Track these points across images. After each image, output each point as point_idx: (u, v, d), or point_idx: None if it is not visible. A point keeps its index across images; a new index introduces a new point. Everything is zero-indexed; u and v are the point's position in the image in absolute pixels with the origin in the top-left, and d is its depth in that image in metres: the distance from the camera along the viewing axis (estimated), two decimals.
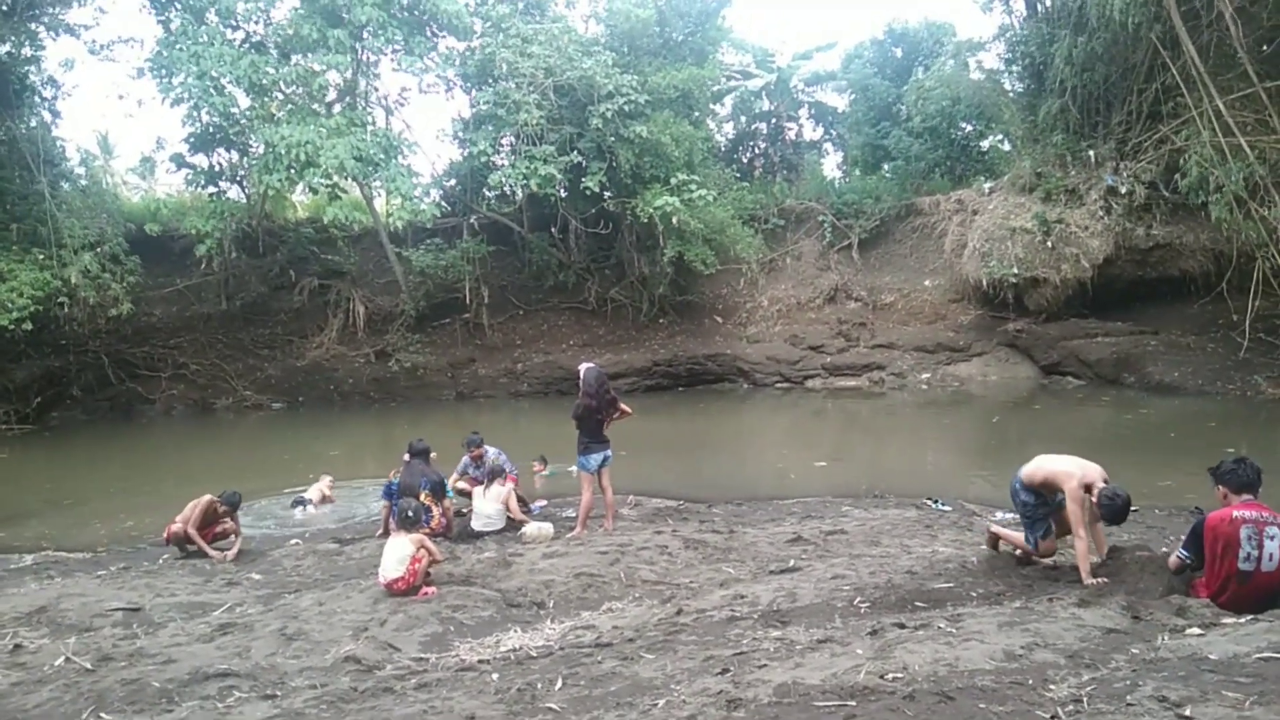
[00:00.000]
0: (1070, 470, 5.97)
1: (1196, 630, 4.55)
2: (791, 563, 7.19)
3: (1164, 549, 6.35)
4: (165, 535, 8.82)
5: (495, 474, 9.38)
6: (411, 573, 6.62)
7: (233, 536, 8.89)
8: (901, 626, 4.90)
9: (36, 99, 21.15)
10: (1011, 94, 24.46)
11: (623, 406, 9.09)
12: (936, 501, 9.84)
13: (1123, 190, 20.20)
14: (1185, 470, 10.18)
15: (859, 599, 5.83)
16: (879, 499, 10.33)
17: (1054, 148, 21.46)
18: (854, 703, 3.67)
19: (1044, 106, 21.54)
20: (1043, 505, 6.26)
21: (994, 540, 6.88)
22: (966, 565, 6.67)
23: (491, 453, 9.95)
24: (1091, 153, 20.99)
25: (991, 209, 22.13)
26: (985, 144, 27.25)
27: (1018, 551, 6.58)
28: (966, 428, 17.60)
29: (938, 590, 5.99)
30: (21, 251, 18.39)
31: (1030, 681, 3.81)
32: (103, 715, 4.55)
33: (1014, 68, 24.23)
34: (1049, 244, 20.59)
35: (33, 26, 19.97)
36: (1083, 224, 20.54)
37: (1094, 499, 5.79)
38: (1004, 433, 16.44)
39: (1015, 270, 20.73)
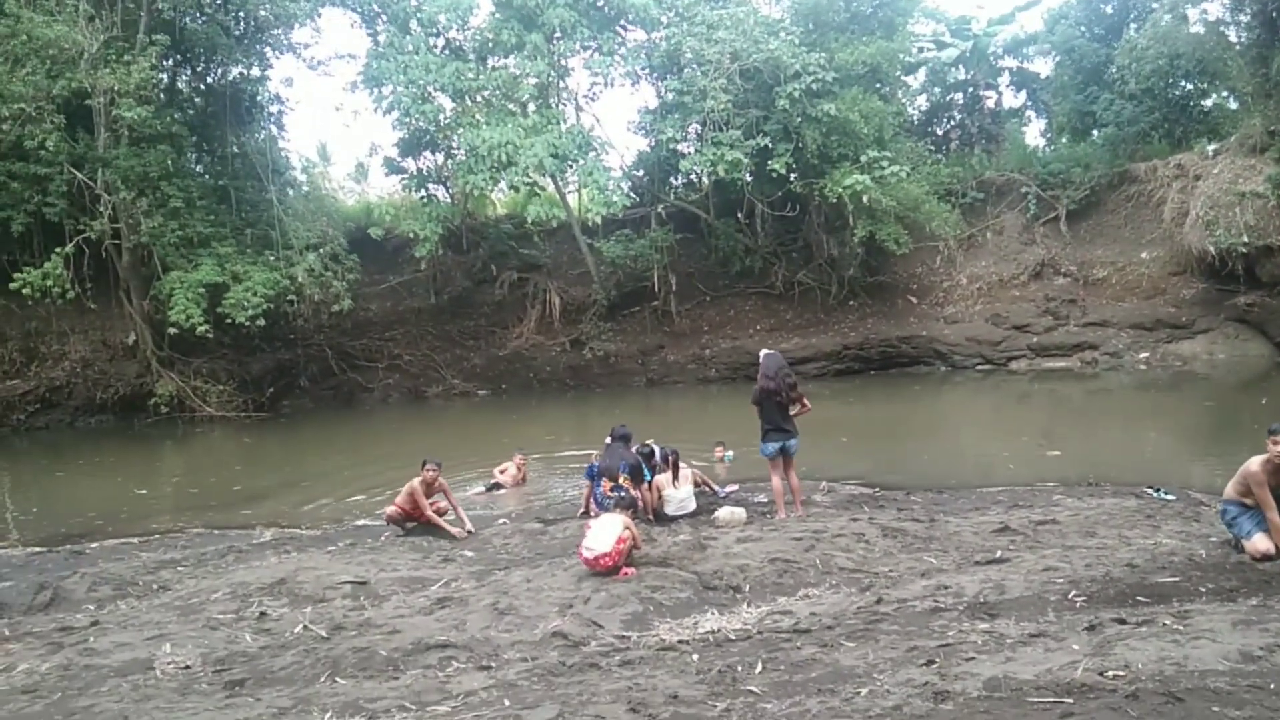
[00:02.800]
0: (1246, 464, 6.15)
1: None
2: (999, 553, 6.90)
3: None
4: (386, 516, 9.49)
5: (676, 462, 9.49)
6: (618, 551, 6.81)
7: (450, 513, 9.45)
8: (1122, 622, 4.64)
9: (264, 115, 23.17)
10: (1238, 46, 22.26)
11: (804, 401, 9.00)
12: (1159, 490, 9.17)
13: None
14: None
15: (1074, 592, 5.54)
16: (1094, 487, 9.72)
17: None
18: (1071, 700, 3.52)
19: (1277, 58, 19.48)
20: (1240, 509, 6.22)
21: None
22: (1194, 559, 6.21)
23: (659, 452, 9.96)
24: None
25: (1217, 173, 20.34)
26: (1208, 103, 24.94)
27: None
28: (1191, 410, 16.27)
29: (1162, 584, 5.60)
30: (255, 254, 20.12)
31: (1272, 686, 3.52)
32: (338, 679, 4.94)
33: (1241, 17, 22.01)
34: None
35: (260, 48, 21.89)
36: None
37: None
38: (1236, 416, 15.06)
39: (1245, 239, 18.99)
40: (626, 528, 6.97)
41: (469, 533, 9.09)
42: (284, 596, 6.86)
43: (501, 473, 11.74)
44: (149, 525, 10.67)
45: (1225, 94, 24.61)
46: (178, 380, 20.09)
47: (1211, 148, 21.83)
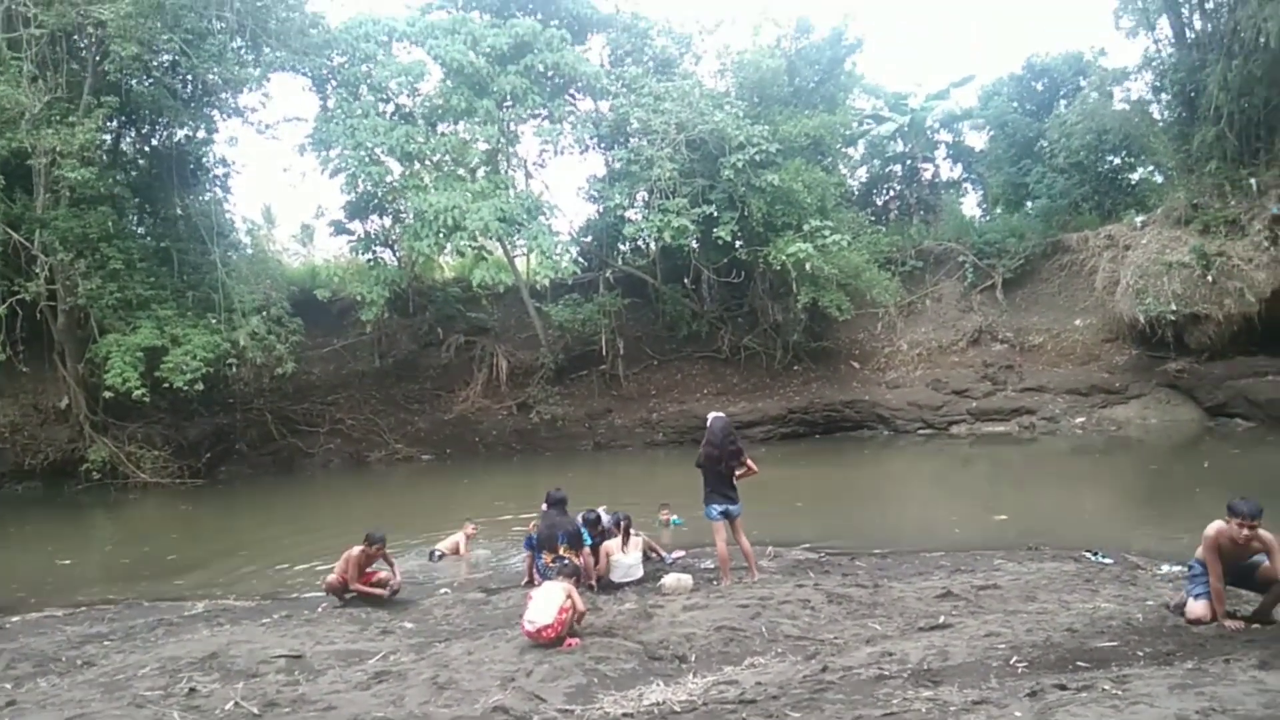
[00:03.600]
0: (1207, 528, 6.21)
1: None
2: (941, 619, 6.94)
3: None
4: (326, 585, 9.25)
5: (628, 527, 9.44)
6: (560, 622, 6.71)
7: (391, 580, 9.25)
8: (1063, 688, 4.68)
9: (210, 177, 22.98)
10: (1161, 123, 23.42)
11: (749, 463, 8.97)
12: (1097, 554, 9.32)
13: None
14: None
15: (1015, 658, 5.58)
16: (1034, 551, 9.85)
17: (1210, 177, 20.42)
18: None
19: (1198, 135, 20.52)
20: (1203, 569, 6.28)
21: None
22: (1131, 623, 6.30)
23: (606, 519, 9.95)
24: (1253, 181, 19.87)
25: (1145, 244, 21.12)
26: (1135, 176, 26.06)
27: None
28: (1127, 474, 16.64)
29: (1101, 649, 5.67)
30: (195, 317, 19.74)
31: None
32: None
33: (1163, 96, 23.23)
34: (1209, 278, 19.51)
35: (208, 111, 21.79)
36: (1246, 256, 19.40)
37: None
38: (1170, 479, 15.45)
39: (1173, 307, 19.67)
40: (569, 596, 6.86)
41: (391, 593, 9.01)
42: (215, 671, 6.61)
43: (458, 546, 11.48)
44: (75, 597, 10.24)
45: (1150, 168, 25.72)
46: (111, 445, 19.52)
47: (1139, 219, 22.70)
